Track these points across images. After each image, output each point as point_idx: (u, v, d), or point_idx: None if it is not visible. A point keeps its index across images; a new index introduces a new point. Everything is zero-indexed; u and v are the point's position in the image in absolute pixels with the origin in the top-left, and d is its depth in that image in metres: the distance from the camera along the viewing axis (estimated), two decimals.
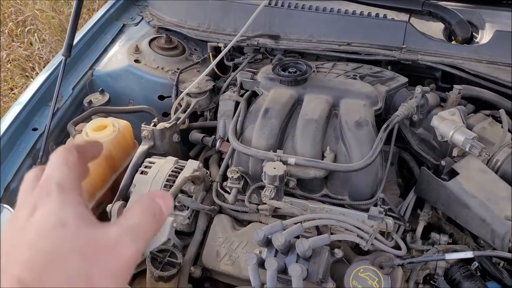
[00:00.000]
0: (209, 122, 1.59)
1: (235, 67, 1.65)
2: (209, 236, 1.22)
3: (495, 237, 1.07)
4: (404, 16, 1.57)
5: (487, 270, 1.16)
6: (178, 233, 1.23)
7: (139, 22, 1.87)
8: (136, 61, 1.65)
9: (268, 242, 1.06)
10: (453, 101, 1.33)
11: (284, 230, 1.05)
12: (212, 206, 1.26)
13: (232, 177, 1.24)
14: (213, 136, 1.48)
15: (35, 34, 3.74)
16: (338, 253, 1.07)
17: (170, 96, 1.59)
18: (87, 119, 1.45)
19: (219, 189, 1.29)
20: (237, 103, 1.45)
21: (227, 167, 1.33)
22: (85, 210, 0.46)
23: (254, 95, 1.46)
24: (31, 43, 3.72)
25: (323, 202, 1.26)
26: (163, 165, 1.27)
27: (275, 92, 1.38)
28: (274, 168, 1.17)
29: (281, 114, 1.30)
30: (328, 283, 1.03)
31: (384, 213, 1.17)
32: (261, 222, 1.24)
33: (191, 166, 1.27)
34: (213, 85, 1.57)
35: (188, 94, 1.52)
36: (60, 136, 1.50)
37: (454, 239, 1.25)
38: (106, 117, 1.46)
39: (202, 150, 1.56)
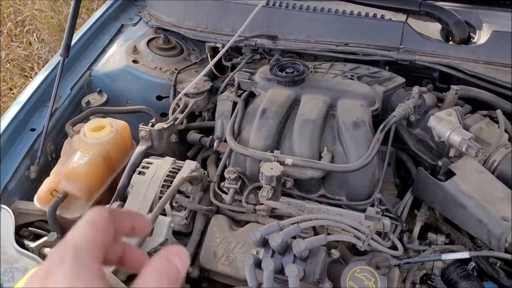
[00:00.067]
0: (207, 123, 1.59)
1: (233, 67, 1.66)
2: (207, 236, 1.23)
3: (491, 237, 1.07)
4: (401, 17, 1.57)
5: (484, 270, 1.16)
6: (175, 233, 1.24)
7: (137, 22, 1.87)
8: (134, 61, 1.65)
9: (265, 243, 1.06)
10: (450, 101, 1.33)
11: (281, 230, 1.05)
12: (210, 207, 1.26)
13: (230, 177, 1.24)
14: (210, 137, 1.48)
15: (34, 34, 3.74)
16: (335, 253, 1.07)
17: (168, 97, 1.59)
18: (85, 119, 1.46)
19: (216, 189, 1.30)
20: (234, 104, 1.46)
21: (225, 167, 1.33)
22: (98, 280, 0.42)
23: (252, 95, 1.47)
24: (30, 43, 3.72)
25: (320, 202, 1.27)
26: (160, 166, 1.27)
27: (273, 92, 1.38)
28: (271, 168, 1.17)
29: (279, 115, 1.30)
30: (324, 284, 1.03)
31: (381, 213, 1.17)
32: (258, 223, 1.24)
33: (189, 167, 1.27)
34: (211, 85, 1.57)
35: (186, 95, 1.52)
36: (58, 136, 1.50)
37: (451, 239, 1.25)
38: (104, 117, 1.46)
39: (200, 151, 1.56)
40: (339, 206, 1.26)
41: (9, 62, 3.52)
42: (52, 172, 1.32)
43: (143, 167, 1.27)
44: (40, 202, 1.26)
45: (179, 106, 1.52)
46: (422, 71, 1.55)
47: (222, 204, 1.26)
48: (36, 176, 1.38)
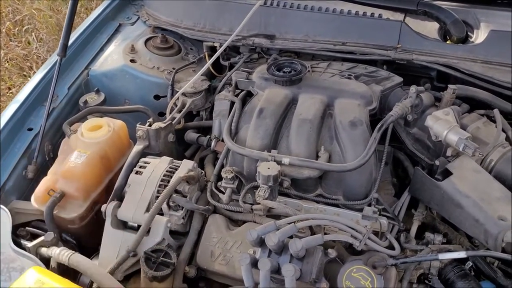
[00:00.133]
0: (205, 122, 1.59)
1: (231, 66, 1.65)
2: (204, 236, 1.22)
3: (488, 237, 1.07)
4: (399, 16, 1.57)
5: (481, 270, 1.16)
6: (172, 233, 1.23)
7: (135, 22, 1.87)
8: (132, 60, 1.65)
9: (261, 242, 1.06)
10: (448, 100, 1.33)
11: (278, 230, 1.05)
12: (207, 206, 1.26)
13: (227, 177, 1.24)
14: (208, 136, 1.48)
15: (33, 33, 3.73)
16: (332, 253, 1.07)
17: (165, 96, 1.59)
18: (83, 119, 1.45)
19: (213, 189, 1.29)
20: (232, 103, 1.45)
21: (222, 167, 1.33)
22: None
23: (249, 94, 1.46)
24: (28, 42, 3.71)
25: (317, 202, 1.27)
26: (158, 165, 1.27)
27: (270, 92, 1.38)
28: (268, 168, 1.17)
29: (276, 114, 1.30)
30: (321, 283, 1.03)
31: (378, 213, 1.17)
32: (255, 222, 1.24)
33: (186, 166, 1.27)
34: (208, 84, 1.57)
35: (183, 94, 1.52)
36: (55, 136, 1.50)
37: (448, 239, 1.25)
38: (101, 117, 1.46)
39: (198, 150, 1.56)
40: (336, 205, 1.26)
41: (7, 62, 3.52)
42: (50, 172, 1.32)
43: (140, 167, 1.27)
44: (37, 201, 1.26)
45: (176, 106, 1.51)
46: (420, 71, 1.55)
47: (219, 203, 1.26)
48: (33, 175, 1.38)
